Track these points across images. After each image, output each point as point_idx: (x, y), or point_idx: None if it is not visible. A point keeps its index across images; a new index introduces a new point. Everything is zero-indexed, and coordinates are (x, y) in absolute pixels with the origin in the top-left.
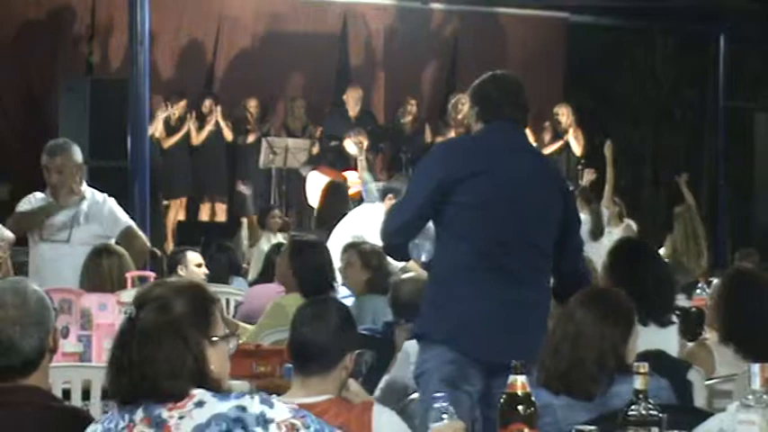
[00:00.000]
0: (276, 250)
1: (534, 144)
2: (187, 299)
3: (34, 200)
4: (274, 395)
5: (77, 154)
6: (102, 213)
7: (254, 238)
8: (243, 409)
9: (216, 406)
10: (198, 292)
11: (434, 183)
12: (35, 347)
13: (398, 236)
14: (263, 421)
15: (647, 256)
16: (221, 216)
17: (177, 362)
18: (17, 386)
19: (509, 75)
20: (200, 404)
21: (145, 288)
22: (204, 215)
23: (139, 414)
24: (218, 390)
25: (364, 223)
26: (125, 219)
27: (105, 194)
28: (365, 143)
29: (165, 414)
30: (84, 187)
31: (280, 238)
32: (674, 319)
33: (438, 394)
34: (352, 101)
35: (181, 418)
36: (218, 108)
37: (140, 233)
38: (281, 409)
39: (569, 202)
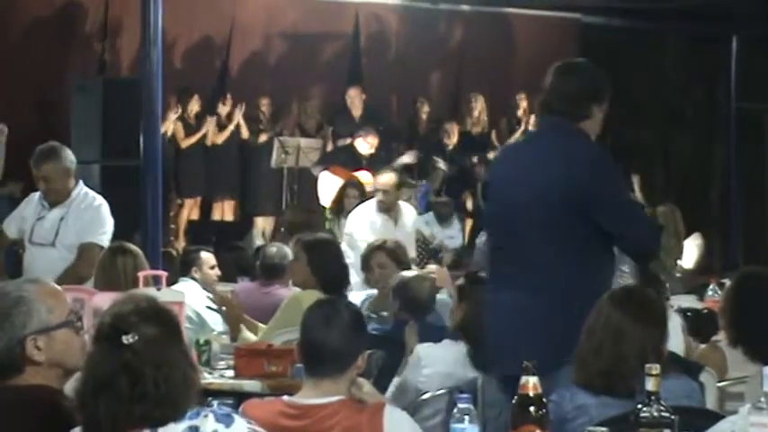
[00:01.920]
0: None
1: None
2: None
3: (25, 202)
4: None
5: (66, 158)
6: (83, 218)
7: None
8: (195, 429)
9: (169, 429)
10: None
11: None
12: None
13: None
14: None
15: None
16: (233, 215)
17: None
18: (29, 386)
19: (568, 62)
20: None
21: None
22: (217, 214)
23: None
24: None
25: (358, 224)
26: (97, 233)
27: (102, 202)
28: (375, 142)
29: None
30: (79, 188)
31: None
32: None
33: (462, 395)
34: (356, 101)
35: None
36: (238, 108)
37: (92, 257)
38: (239, 427)
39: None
